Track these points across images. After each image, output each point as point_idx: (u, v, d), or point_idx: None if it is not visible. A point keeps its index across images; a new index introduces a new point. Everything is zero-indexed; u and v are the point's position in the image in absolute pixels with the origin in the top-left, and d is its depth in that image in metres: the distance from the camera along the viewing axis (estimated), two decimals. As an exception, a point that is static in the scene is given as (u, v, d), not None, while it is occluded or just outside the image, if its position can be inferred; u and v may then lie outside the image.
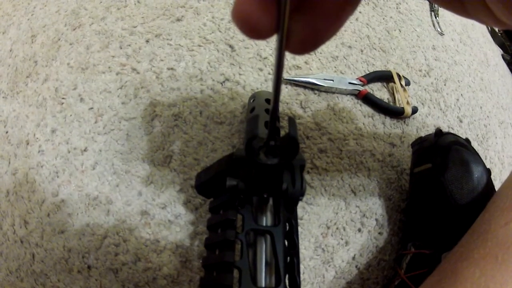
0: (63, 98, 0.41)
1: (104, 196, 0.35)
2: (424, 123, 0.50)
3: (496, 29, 0.89)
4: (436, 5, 0.74)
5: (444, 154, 0.36)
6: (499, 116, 0.62)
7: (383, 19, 0.58)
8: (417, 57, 0.57)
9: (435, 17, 0.70)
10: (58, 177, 0.37)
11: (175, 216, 0.34)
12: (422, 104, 0.52)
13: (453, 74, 0.60)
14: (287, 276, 0.21)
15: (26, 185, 0.37)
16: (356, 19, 0.55)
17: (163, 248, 0.33)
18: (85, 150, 0.37)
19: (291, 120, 0.18)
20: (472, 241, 0.30)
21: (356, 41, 0.52)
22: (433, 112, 0.52)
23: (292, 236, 0.22)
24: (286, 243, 0.22)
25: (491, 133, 0.57)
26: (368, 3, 0.59)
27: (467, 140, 0.39)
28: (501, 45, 0.85)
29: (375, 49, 0.53)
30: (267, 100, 0.33)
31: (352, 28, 0.53)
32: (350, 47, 0.51)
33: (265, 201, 0.22)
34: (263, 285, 0.20)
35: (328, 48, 0.48)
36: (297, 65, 0.44)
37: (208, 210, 0.24)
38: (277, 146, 0.18)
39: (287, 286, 0.21)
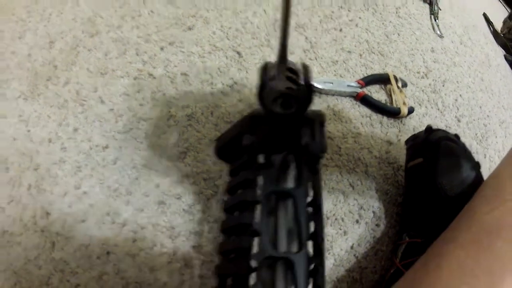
0: (84, 100, 0.47)
1: (124, 188, 0.41)
2: (421, 122, 0.56)
3: (499, 30, 0.95)
4: (436, 8, 0.80)
5: (435, 149, 0.42)
6: (500, 115, 0.67)
7: (383, 23, 0.65)
8: (415, 60, 0.64)
9: (435, 20, 0.76)
10: (80, 171, 0.43)
11: (189, 206, 0.40)
12: (420, 104, 0.58)
13: (452, 75, 0.66)
14: (310, 242, 0.22)
15: (48, 179, 0.43)
16: (356, 25, 0.62)
17: (178, 234, 0.39)
18: (106, 147, 0.43)
19: (305, 67, 0.21)
20: (458, 226, 0.35)
21: (355, 46, 0.58)
22: (430, 112, 0.58)
23: (316, 201, 0.22)
24: (311, 209, 0.23)
25: (491, 132, 0.62)
26: (368, 8, 0.66)
27: (456, 135, 0.44)
28: (503, 46, 0.90)
29: (374, 53, 0.59)
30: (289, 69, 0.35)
31: (351, 34, 0.60)
32: (349, 51, 0.57)
33: (287, 164, 0.23)
34: (284, 249, 0.21)
35: (328, 53, 0.55)
36: (299, 69, 0.51)
37: (229, 174, 0.26)
38: (293, 96, 0.20)
39: (309, 252, 0.21)
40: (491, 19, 0.95)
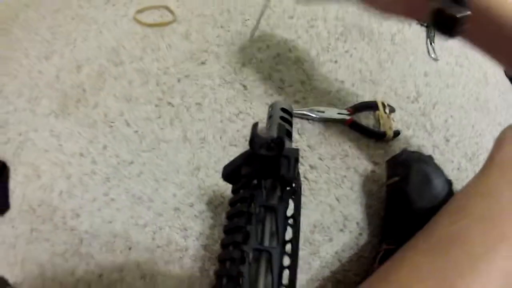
0: (112, 122, 0.57)
1: (146, 197, 0.50)
2: (408, 143, 0.61)
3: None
4: (432, 32, 0.79)
5: (408, 169, 0.50)
6: (494, 132, 0.63)
7: (376, 52, 0.70)
8: (406, 86, 0.68)
9: (431, 44, 0.77)
10: (109, 181, 0.52)
11: (200, 212, 0.49)
12: (407, 127, 0.63)
13: (444, 97, 0.68)
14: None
15: (80, 187, 0.52)
16: (351, 56, 0.69)
17: (189, 235, 0.48)
18: (132, 162, 0.52)
19: (280, 126, 0.33)
20: (421, 236, 0.39)
21: (348, 76, 0.66)
22: (417, 133, 0.63)
23: (294, 214, 0.32)
24: (291, 220, 0.32)
25: (483, 149, 0.64)
26: (364, 38, 0.73)
27: (430, 156, 0.52)
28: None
29: (366, 82, 0.66)
30: (282, 109, 0.46)
31: (346, 64, 0.67)
32: (342, 81, 0.65)
33: (274, 186, 0.33)
34: (267, 245, 0.31)
35: (322, 84, 0.64)
36: (296, 100, 0.60)
37: (231, 192, 0.36)
38: (274, 143, 0.31)
39: (286, 249, 0.30)
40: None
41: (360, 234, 0.53)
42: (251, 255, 0.30)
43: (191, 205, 0.49)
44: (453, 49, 0.78)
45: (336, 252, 0.51)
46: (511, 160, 0.38)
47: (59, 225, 0.49)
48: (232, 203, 0.34)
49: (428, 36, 0.79)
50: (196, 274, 0.46)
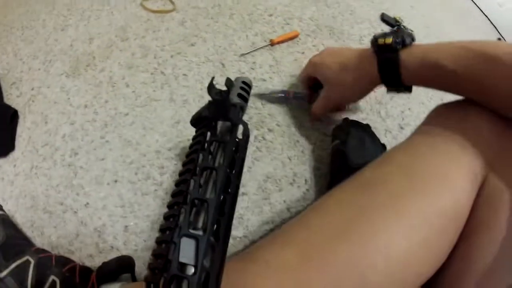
0: (114, 83, 0.70)
1: (135, 141, 0.63)
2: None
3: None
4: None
5: (347, 133, 0.63)
6: None
7: None
8: None
9: None
10: (106, 127, 0.65)
11: (175, 155, 0.62)
12: (361, 112, 0.75)
13: (404, 95, 0.74)
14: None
15: (81, 131, 0.64)
16: (317, 49, 0.80)
17: (165, 172, 0.61)
18: (127, 114, 0.66)
19: (235, 89, 0.46)
20: (347, 180, 0.46)
21: None
22: (371, 117, 0.73)
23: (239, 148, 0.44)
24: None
25: None
26: (333, 37, 0.84)
27: (367, 125, 0.64)
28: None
29: None
30: (243, 82, 0.55)
31: (311, 55, 0.81)
32: None
33: (227, 130, 0.43)
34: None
35: (288, 69, 0.77)
36: (263, 78, 0.74)
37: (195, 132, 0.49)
38: (224, 92, 0.44)
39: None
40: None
41: (308, 190, 0.66)
42: (203, 176, 0.37)
43: (169, 149, 0.63)
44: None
45: (285, 201, 0.63)
46: (433, 129, 0.46)
47: (58, 161, 0.61)
48: (193, 138, 0.43)
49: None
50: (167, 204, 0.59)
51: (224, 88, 0.48)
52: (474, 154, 0.41)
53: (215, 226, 0.33)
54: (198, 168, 0.37)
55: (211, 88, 0.46)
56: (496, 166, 0.40)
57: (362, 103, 0.77)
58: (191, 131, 0.42)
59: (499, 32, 1.28)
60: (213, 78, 0.47)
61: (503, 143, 0.41)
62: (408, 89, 0.55)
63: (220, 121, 0.44)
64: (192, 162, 0.39)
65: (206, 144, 0.41)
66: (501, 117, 0.42)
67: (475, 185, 0.40)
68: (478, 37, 1.14)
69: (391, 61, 0.50)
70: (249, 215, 0.60)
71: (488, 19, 1.32)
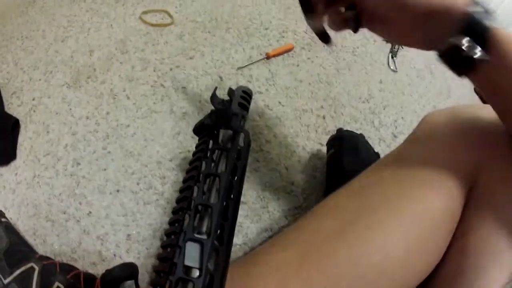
0: (115, 95, 0.73)
1: (136, 152, 0.65)
2: None
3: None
4: (397, 47, 0.88)
5: (341, 142, 0.66)
6: None
7: (336, 61, 0.86)
8: (360, 89, 0.81)
9: (392, 57, 0.89)
10: (108, 138, 0.67)
11: (176, 166, 0.64)
12: (355, 121, 0.78)
13: (397, 102, 0.80)
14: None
15: (83, 142, 0.66)
16: (312, 62, 0.85)
17: (166, 182, 0.63)
18: (128, 125, 0.68)
19: (236, 99, 0.48)
20: (343, 187, 0.48)
21: (307, 77, 0.81)
22: (365, 127, 0.77)
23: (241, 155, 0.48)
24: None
25: None
26: (327, 49, 0.87)
27: (360, 135, 0.67)
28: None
29: (321, 83, 0.82)
30: (243, 91, 0.57)
31: (306, 68, 0.84)
32: (301, 81, 0.82)
33: (229, 138, 0.45)
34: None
35: (284, 81, 0.81)
36: (260, 91, 0.77)
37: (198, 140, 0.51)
38: (227, 101, 0.46)
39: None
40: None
41: (305, 198, 0.68)
42: (206, 182, 0.39)
43: (170, 160, 0.65)
44: (416, 62, 0.90)
45: (283, 209, 0.66)
46: (421, 137, 0.47)
47: (61, 171, 0.63)
48: (196, 146, 0.47)
49: (391, 51, 0.91)
50: (169, 213, 0.61)
51: (226, 98, 0.51)
52: (462, 159, 0.42)
53: (219, 230, 0.35)
54: (201, 175, 0.40)
55: (214, 97, 0.48)
56: (484, 170, 0.41)
57: (356, 113, 0.81)
58: (191, 142, 0.44)
59: None
60: (216, 88, 0.50)
61: (491, 147, 0.42)
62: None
63: (222, 130, 0.46)
64: (196, 169, 0.42)
65: (209, 152, 0.43)
66: (488, 122, 0.43)
67: (464, 189, 0.42)
68: None
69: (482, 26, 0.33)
70: (248, 223, 0.62)
71: None
